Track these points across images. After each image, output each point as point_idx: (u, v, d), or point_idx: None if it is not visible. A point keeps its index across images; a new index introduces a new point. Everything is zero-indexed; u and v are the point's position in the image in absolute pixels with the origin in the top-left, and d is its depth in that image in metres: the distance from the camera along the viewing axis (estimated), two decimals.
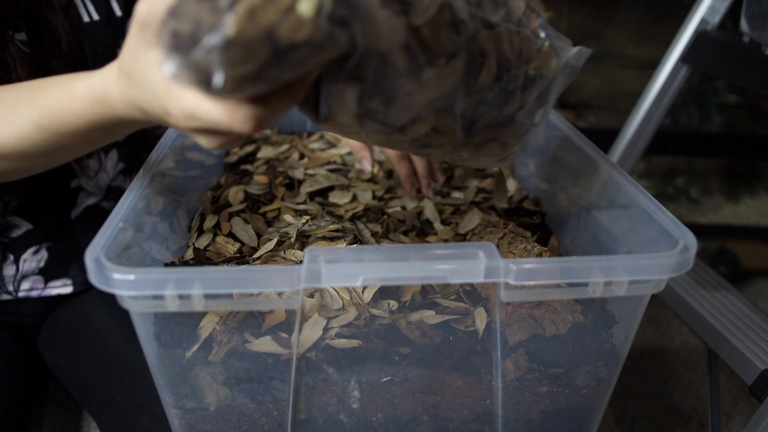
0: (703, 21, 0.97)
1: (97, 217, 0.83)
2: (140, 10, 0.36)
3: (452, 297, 0.56)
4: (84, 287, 0.84)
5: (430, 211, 0.72)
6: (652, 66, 1.04)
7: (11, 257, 0.79)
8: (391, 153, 0.73)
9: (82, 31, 0.74)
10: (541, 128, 0.51)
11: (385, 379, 0.53)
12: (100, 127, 0.47)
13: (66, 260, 0.82)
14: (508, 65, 0.44)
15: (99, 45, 0.77)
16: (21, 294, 0.80)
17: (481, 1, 0.41)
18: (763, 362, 0.73)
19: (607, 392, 0.55)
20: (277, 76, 0.34)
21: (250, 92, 0.34)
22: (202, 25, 0.31)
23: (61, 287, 0.82)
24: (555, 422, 0.56)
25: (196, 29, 0.31)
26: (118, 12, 0.78)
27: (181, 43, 0.32)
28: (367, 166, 0.76)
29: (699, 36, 0.97)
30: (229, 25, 0.31)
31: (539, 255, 0.60)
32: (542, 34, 0.46)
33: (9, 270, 0.79)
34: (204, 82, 0.33)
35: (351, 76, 0.38)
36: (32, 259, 0.80)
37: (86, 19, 0.75)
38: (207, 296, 0.45)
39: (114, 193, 0.85)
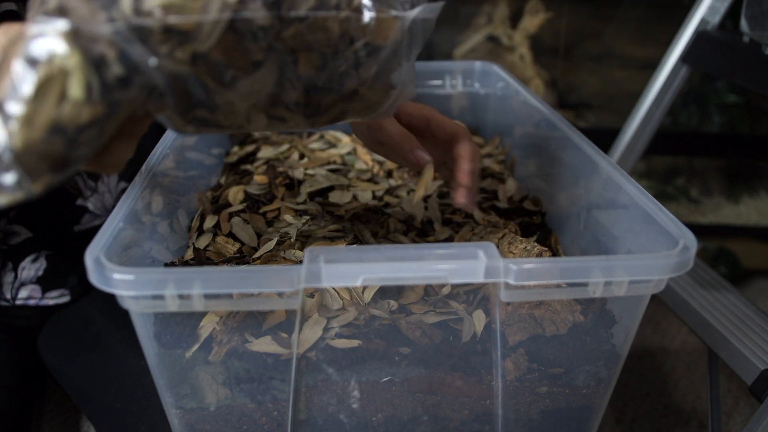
0: (703, 21, 0.97)
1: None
2: None
3: (459, 300, 0.56)
4: (81, 295, 0.84)
5: (432, 212, 0.72)
6: (652, 66, 1.04)
7: (10, 264, 0.79)
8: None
9: None
10: (406, 85, 0.48)
11: (385, 379, 0.53)
12: None
13: (64, 271, 0.82)
14: (332, 50, 0.42)
15: None
16: (18, 302, 0.80)
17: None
18: (763, 362, 0.73)
19: (607, 392, 0.55)
20: (86, 151, 0.36)
21: (71, 172, 0.36)
22: None
23: (59, 297, 0.82)
24: (555, 422, 0.56)
25: None
26: None
27: None
28: (421, 156, 0.58)
29: (699, 36, 0.97)
30: (12, 140, 0.33)
31: (539, 255, 0.60)
32: (366, 10, 0.42)
33: (7, 277, 0.79)
34: (18, 191, 0.34)
35: (160, 103, 0.38)
36: (30, 267, 0.80)
37: None
38: (207, 296, 0.45)
39: None
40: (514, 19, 1.49)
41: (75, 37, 0.33)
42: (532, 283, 0.47)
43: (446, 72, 1.00)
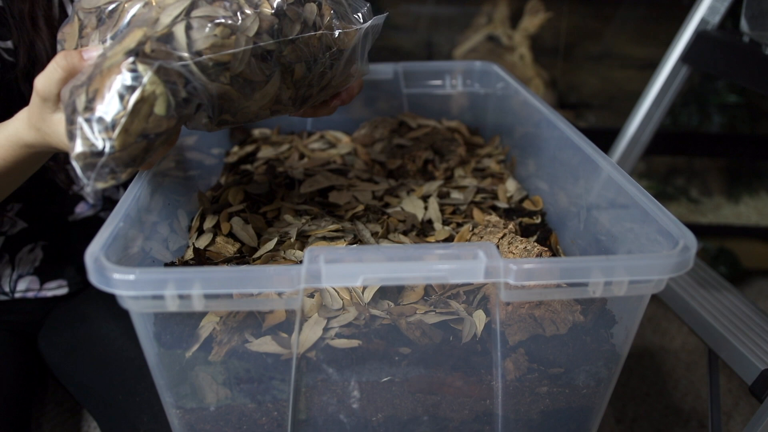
0: (703, 21, 0.97)
1: (93, 223, 0.84)
2: (39, 87, 0.50)
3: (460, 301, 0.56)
4: (80, 287, 0.84)
5: (432, 212, 0.72)
6: (652, 66, 1.04)
7: (6, 256, 0.79)
8: None
9: None
10: (360, 69, 0.64)
11: (385, 379, 0.53)
12: (26, 162, 0.59)
13: (61, 261, 0.82)
14: (314, 59, 0.58)
15: None
16: (17, 295, 0.81)
17: (281, 28, 0.54)
18: (763, 362, 0.73)
19: (607, 392, 0.55)
20: (155, 150, 0.50)
21: (143, 163, 0.50)
22: (95, 144, 0.46)
23: (57, 289, 0.83)
24: (555, 422, 0.56)
25: (93, 147, 0.46)
26: None
27: (87, 164, 0.46)
28: None
29: (699, 36, 0.97)
30: (113, 143, 0.45)
31: (539, 255, 0.60)
32: (336, 28, 0.58)
33: (5, 269, 0.79)
34: (111, 179, 0.48)
35: (201, 114, 0.53)
36: (27, 258, 0.80)
37: None
38: (207, 296, 0.45)
39: (110, 204, 0.86)
40: (514, 19, 1.49)
41: (159, 71, 0.46)
42: (532, 283, 0.47)
43: (446, 72, 1.00)
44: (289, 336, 0.51)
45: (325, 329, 0.52)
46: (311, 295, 0.54)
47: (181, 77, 0.48)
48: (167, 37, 0.48)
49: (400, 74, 0.98)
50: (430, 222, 0.71)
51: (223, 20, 0.50)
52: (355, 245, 0.63)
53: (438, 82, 1.01)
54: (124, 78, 0.46)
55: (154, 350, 0.51)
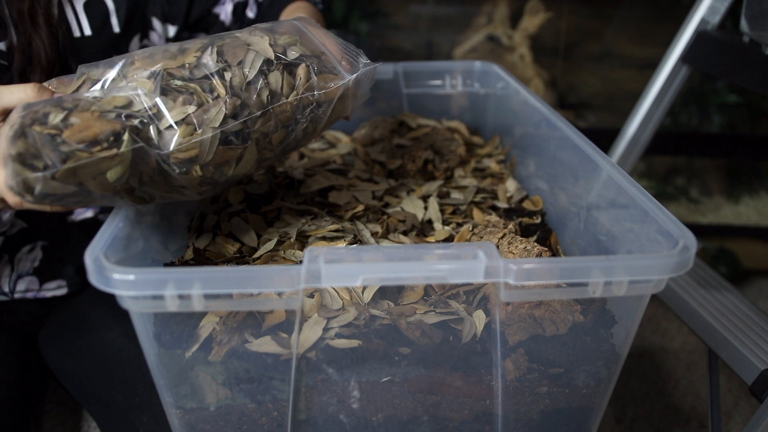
0: (703, 21, 0.97)
1: (92, 225, 0.85)
2: None
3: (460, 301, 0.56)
4: (78, 288, 0.84)
5: (432, 212, 0.72)
6: (652, 66, 1.04)
7: (6, 256, 0.79)
8: None
9: (70, 46, 0.74)
10: (361, 98, 0.63)
11: (385, 379, 0.53)
12: None
13: (60, 261, 0.82)
14: (293, 119, 0.57)
15: (89, 59, 0.77)
16: (17, 295, 0.81)
17: (245, 106, 0.52)
18: (763, 362, 0.73)
19: (607, 392, 0.55)
20: (64, 203, 0.48)
21: (50, 203, 0.47)
22: (41, 157, 0.44)
23: (56, 289, 0.83)
24: (555, 422, 0.56)
25: (36, 159, 0.44)
26: (117, 29, 0.78)
27: (22, 162, 0.44)
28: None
29: (699, 36, 0.97)
30: (58, 170, 0.44)
31: (539, 255, 0.60)
32: (315, 90, 0.57)
33: (4, 269, 0.79)
34: (26, 194, 0.45)
35: (182, 193, 0.54)
36: (27, 259, 0.80)
37: (77, 33, 0.75)
38: (207, 296, 0.45)
39: (108, 207, 0.86)
40: (514, 19, 1.49)
41: (135, 151, 0.47)
42: (532, 283, 0.47)
43: (446, 72, 1.00)
44: (289, 336, 0.51)
45: (325, 329, 0.52)
46: (311, 295, 0.54)
47: (152, 162, 0.49)
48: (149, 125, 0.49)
49: (400, 74, 0.98)
50: (430, 222, 0.71)
51: (185, 117, 0.49)
52: (355, 245, 0.63)
53: (438, 82, 1.01)
54: (108, 133, 0.46)
55: (154, 350, 0.51)
